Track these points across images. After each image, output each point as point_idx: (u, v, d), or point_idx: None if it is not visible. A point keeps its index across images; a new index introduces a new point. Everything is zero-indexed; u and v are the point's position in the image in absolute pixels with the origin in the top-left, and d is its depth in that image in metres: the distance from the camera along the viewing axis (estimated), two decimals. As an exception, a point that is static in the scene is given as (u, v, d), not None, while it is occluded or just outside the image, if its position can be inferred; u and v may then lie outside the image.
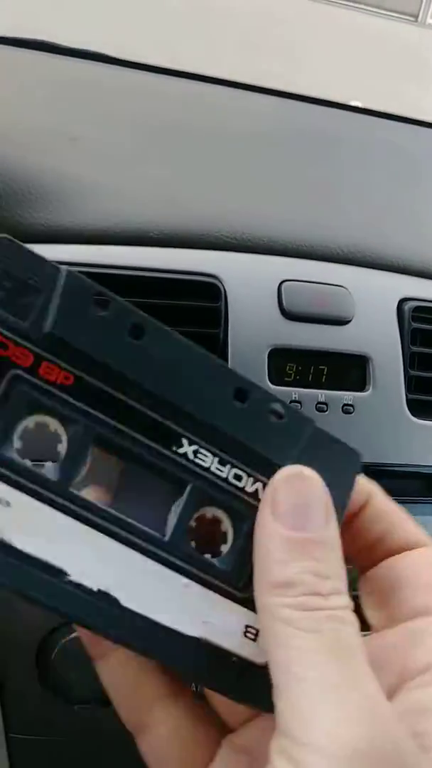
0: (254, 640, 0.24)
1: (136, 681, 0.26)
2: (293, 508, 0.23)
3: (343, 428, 0.55)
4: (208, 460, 0.24)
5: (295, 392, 0.54)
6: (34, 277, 0.22)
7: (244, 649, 0.24)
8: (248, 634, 0.24)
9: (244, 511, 0.24)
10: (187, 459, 0.24)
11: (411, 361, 0.58)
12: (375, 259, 0.61)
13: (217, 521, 0.25)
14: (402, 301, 0.59)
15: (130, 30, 3.13)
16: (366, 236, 0.62)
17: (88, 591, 0.22)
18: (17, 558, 0.22)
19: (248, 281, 0.55)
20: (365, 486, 0.27)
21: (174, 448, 0.24)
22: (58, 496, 0.23)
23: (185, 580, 0.24)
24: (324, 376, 0.56)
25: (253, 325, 0.54)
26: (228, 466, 0.24)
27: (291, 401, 0.54)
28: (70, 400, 0.23)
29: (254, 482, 0.24)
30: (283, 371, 0.55)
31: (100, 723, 0.52)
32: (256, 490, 0.24)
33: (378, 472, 0.56)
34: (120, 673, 0.26)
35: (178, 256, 0.55)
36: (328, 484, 0.24)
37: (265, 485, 0.24)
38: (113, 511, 0.23)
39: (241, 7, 4.36)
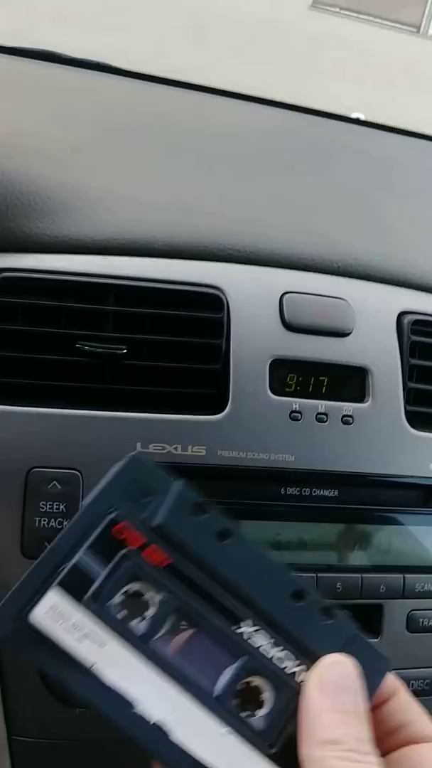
0: None
1: None
2: (336, 686, 0.30)
3: (342, 439, 0.55)
4: (262, 641, 0.31)
5: (296, 402, 0.55)
6: (155, 483, 0.32)
7: None
8: None
9: (283, 686, 0.31)
10: (246, 636, 0.31)
11: (410, 373, 0.59)
12: (375, 272, 0.62)
13: (258, 690, 0.31)
14: (402, 314, 0.60)
15: (132, 40, 3.15)
16: (366, 249, 0.63)
17: (146, 722, 0.30)
18: (102, 686, 0.30)
19: (250, 293, 0.56)
20: (393, 682, 0.33)
21: (236, 627, 0.31)
22: (140, 646, 0.30)
23: (224, 730, 0.30)
24: (324, 387, 0.57)
25: (255, 336, 0.55)
26: (278, 648, 0.31)
27: (291, 411, 0.55)
28: (164, 577, 0.31)
29: (298, 665, 0.31)
30: (283, 381, 0.56)
31: (100, 726, 0.52)
32: (295, 672, 0.31)
33: (377, 483, 0.57)
34: None
35: (182, 268, 0.56)
36: (362, 675, 0.31)
37: (306, 668, 0.31)
38: (178, 665, 0.31)
39: (243, 17, 4.38)
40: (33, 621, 0.30)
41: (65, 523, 0.48)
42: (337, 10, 5.64)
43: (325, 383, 0.57)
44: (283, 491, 0.55)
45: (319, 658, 0.31)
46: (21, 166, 0.57)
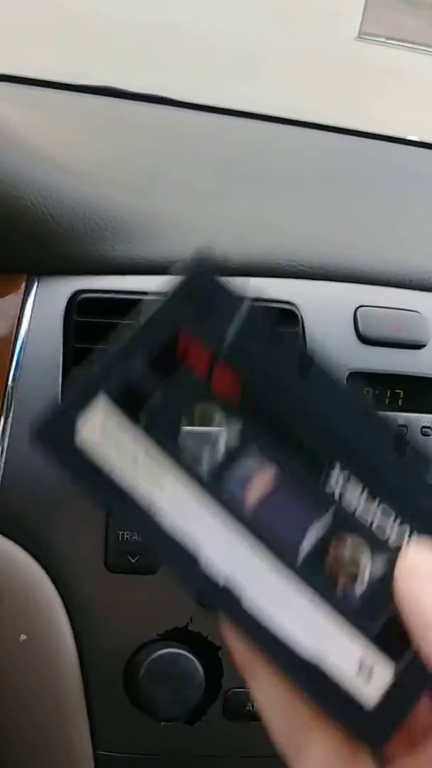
0: (368, 679, 0.24)
1: (291, 701, 0.25)
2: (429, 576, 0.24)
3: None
4: (355, 493, 0.25)
5: (373, 415, 0.55)
6: (225, 300, 0.26)
7: (355, 686, 0.24)
8: (362, 672, 0.24)
9: (382, 553, 0.25)
10: (335, 487, 0.25)
11: None
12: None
13: (354, 557, 0.25)
14: None
15: (183, 76, 3.22)
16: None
17: (213, 583, 0.24)
18: (161, 531, 0.24)
19: (324, 308, 0.57)
20: None
21: (324, 474, 0.25)
22: (206, 485, 0.25)
23: (310, 598, 0.24)
24: (401, 399, 0.57)
25: (330, 350, 0.55)
26: (375, 503, 0.25)
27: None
28: (236, 405, 0.26)
29: (399, 526, 0.25)
30: (359, 395, 0.56)
31: (185, 741, 0.53)
32: (402, 534, 0.25)
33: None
34: (273, 692, 0.25)
35: (256, 285, 0.57)
36: None
37: (409, 533, 0.25)
38: (254, 515, 0.25)
39: (287, 51, 4.45)
40: (81, 439, 0.25)
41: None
42: (383, 39, 5.69)
43: (402, 395, 0.57)
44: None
45: (425, 521, 0.25)
46: (99, 193, 0.59)
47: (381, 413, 0.26)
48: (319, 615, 0.24)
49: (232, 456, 0.25)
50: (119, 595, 0.51)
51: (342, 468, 0.25)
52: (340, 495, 0.25)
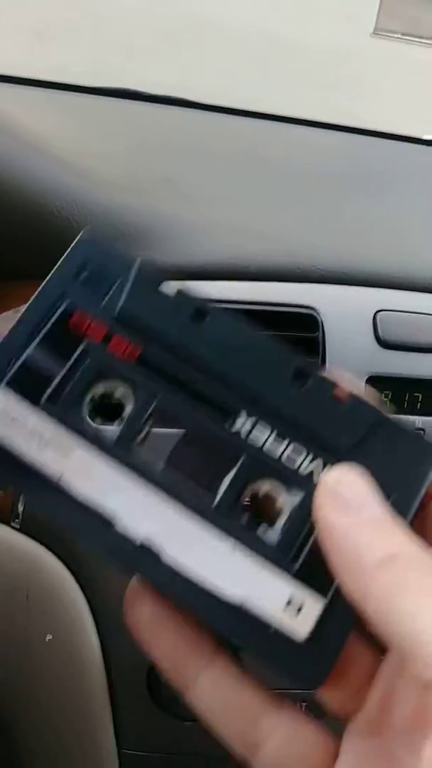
0: (297, 613, 0.24)
1: (232, 700, 0.25)
2: (350, 500, 0.23)
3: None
4: (263, 437, 0.25)
5: (393, 419, 0.55)
6: (113, 265, 0.26)
7: (285, 621, 0.24)
8: (290, 607, 0.24)
9: (298, 489, 0.25)
10: (242, 434, 0.25)
11: None
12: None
13: (270, 498, 0.25)
14: None
15: (198, 75, 3.22)
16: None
17: (131, 542, 0.24)
18: (72, 503, 0.24)
19: (344, 312, 0.57)
20: None
21: (230, 423, 0.25)
22: (114, 452, 0.25)
23: (229, 545, 0.24)
24: (419, 403, 0.57)
25: (350, 354, 0.56)
26: (285, 443, 0.25)
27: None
28: (135, 371, 0.25)
29: (311, 461, 0.25)
30: (378, 398, 0.56)
31: (207, 740, 0.53)
32: (312, 471, 0.25)
33: None
34: (212, 697, 0.25)
35: (276, 290, 0.58)
36: (392, 478, 0.24)
37: (323, 466, 0.24)
38: (165, 474, 0.25)
39: (303, 48, 4.44)
40: None
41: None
42: (399, 35, 5.66)
43: (420, 399, 0.57)
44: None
45: (337, 450, 0.24)
46: (120, 199, 0.60)
47: (280, 347, 0.26)
48: (241, 560, 0.24)
49: (138, 420, 0.25)
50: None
51: (248, 414, 0.25)
52: (249, 441, 0.25)
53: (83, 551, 0.51)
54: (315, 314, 0.57)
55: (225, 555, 0.24)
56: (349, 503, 0.23)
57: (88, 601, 0.51)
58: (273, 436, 0.25)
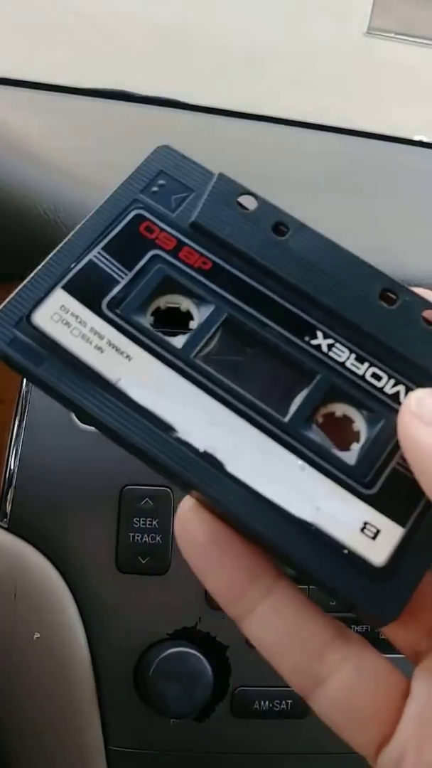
0: (373, 538, 0.22)
1: (295, 631, 0.23)
2: None
3: None
4: (344, 356, 0.24)
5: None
6: (188, 177, 0.26)
7: (360, 544, 0.22)
8: (366, 531, 0.22)
9: (381, 411, 0.23)
10: (321, 351, 0.24)
11: None
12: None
13: (347, 420, 0.24)
14: None
15: (190, 75, 3.23)
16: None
17: (193, 450, 0.22)
18: (130, 406, 0.23)
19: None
20: None
21: (307, 339, 0.24)
22: (178, 360, 0.23)
23: (300, 462, 0.23)
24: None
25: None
26: (366, 363, 0.23)
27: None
28: (206, 282, 0.24)
29: (395, 384, 0.23)
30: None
31: (194, 737, 0.54)
32: (397, 392, 0.23)
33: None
34: (272, 627, 0.23)
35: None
36: None
37: (407, 389, 0.23)
38: (233, 385, 0.23)
39: (296, 48, 4.45)
40: (37, 325, 0.23)
41: (158, 538, 0.50)
42: (392, 35, 5.67)
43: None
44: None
45: (425, 374, 0.23)
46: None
47: (367, 264, 0.25)
48: (314, 477, 0.22)
49: (206, 331, 0.24)
50: (130, 595, 0.53)
51: (328, 332, 0.24)
52: (328, 359, 0.24)
53: (69, 550, 0.52)
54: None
55: (296, 471, 0.22)
56: None
57: (76, 600, 0.52)
58: (354, 356, 0.24)
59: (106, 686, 0.53)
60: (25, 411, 0.52)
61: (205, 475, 0.22)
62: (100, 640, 0.52)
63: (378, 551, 0.22)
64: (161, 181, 0.25)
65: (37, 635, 0.52)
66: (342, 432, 0.23)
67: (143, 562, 0.52)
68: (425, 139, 1.20)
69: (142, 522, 0.52)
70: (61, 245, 0.24)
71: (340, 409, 0.24)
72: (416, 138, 1.20)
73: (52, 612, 0.52)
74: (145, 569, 0.52)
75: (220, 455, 0.22)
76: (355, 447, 0.23)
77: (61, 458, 0.52)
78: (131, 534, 0.52)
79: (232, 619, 0.24)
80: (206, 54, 4.02)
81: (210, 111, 1.01)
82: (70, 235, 0.25)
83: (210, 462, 0.22)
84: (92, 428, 0.52)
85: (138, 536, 0.52)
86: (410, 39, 5.65)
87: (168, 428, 0.22)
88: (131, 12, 4.33)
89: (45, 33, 3.65)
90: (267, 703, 0.53)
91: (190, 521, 0.23)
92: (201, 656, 0.51)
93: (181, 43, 4.07)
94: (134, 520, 0.52)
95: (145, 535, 0.52)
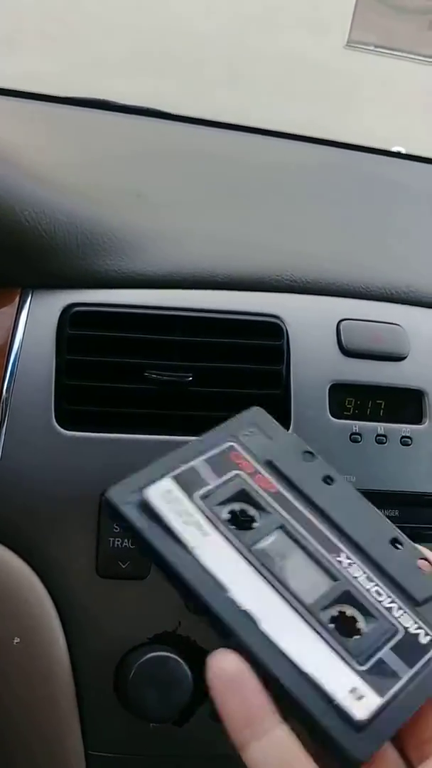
0: (358, 700, 0.29)
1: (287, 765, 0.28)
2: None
3: (402, 459, 0.57)
4: (359, 574, 0.33)
5: (355, 425, 0.57)
6: (271, 431, 0.37)
7: (348, 701, 0.29)
8: (354, 694, 0.29)
9: (378, 617, 0.32)
10: (343, 566, 0.33)
11: (466, 395, 0.60)
12: (428, 298, 0.64)
13: (353, 619, 0.32)
14: (455, 337, 0.61)
15: (170, 85, 3.24)
16: (418, 277, 0.65)
17: (237, 606, 0.30)
18: (198, 567, 0.31)
19: (308, 321, 0.59)
20: None
21: (334, 555, 0.33)
22: (241, 545, 0.32)
23: (315, 635, 0.31)
24: (382, 410, 0.58)
25: (314, 362, 0.58)
26: (373, 583, 0.33)
27: (351, 433, 0.57)
28: (270, 500, 0.34)
29: (391, 601, 0.32)
30: (342, 405, 0.58)
31: (174, 742, 0.54)
32: (391, 607, 0.32)
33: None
34: (267, 759, 0.28)
35: (242, 299, 0.59)
36: None
37: (398, 606, 0.32)
38: (277, 571, 0.32)
39: (277, 61, 4.48)
40: (148, 497, 0.32)
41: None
42: (372, 47, 5.73)
43: (383, 406, 0.58)
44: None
45: (413, 600, 0.32)
46: (89, 209, 0.61)
47: (383, 517, 0.35)
48: (321, 647, 0.30)
49: (264, 531, 0.33)
50: (110, 599, 0.53)
51: (348, 557, 0.33)
52: (345, 575, 0.33)
53: (49, 555, 0.52)
54: (280, 323, 0.58)
55: (310, 639, 0.30)
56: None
57: (56, 605, 0.52)
58: (365, 576, 0.33)
59: (86, 691, 0.53)
60: (5, 418, 0.53)
61: (242, 627, 0.30)
62: (80, 644, 0.53)
63: (361, 710, 0.29)
64: (252, 429, 0.36)
65: (17, 640, 0.52)
66: (348, 625, 0.31)
67: (123, 567, 0.52)
68: (403, 150, 1.22)
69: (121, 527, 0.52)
70: (176, 451, 0.34)
71: (349, 610, 0.32)
72: (394, 149, 1.22)
73: (32, 617, 0.52)
74: (125, 574, 0.52)
75: (256, 615, 0.30)
76: (356, 637, 0.31)
77: (42, 464, 0.53)
78: (111, 539, 0.52)
79: (235, 746, 0.29)
80: (186, 65, 4.03)
81: (190, 121, 1.02)
82: (184, 447, 0.35)
83: (248, 618, 0.30)
84: (73, 433, 0.52)
85: (118, 541, 0.52)
86: (389, 52, 5.70)
87: (222, 587, 0.31)
88: (111, 21, 4.34)
89: (26, 41, 3.65)
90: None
91: (223, 656, 0.29)
92: (181, 660, 0.52)
93: (160, 54, 4.09)
94: (114, 525, 0.52)
95: (125, 541, 0.52)
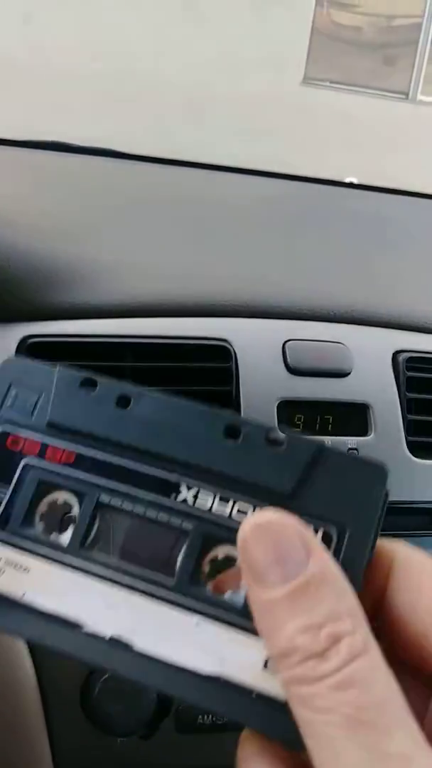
0: (275, 674, 0.23)
1: None
2: (267, 564, 0.21)
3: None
4: (209, 501, 0.25)
5: (304, 439, 0.60)
6: (35, 380, 0.28)
7: (266, 683, 0.23)
8: (270, 666, 0.24)
9: None
10: (188, 504, 0.25)
11: (408, 406, 0.63)
12: (370, 317, 0.67)
13: (230, 560, 0.25)
14: (396, 353, 0.65)
15: (132, 123, 3.30)
16: (361, 297, 0.69)
17: (101, 639, 0.24)
18: (39, 616, 0.25)
19: (255, 343, 0.62)
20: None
21: (174, 496, 0.26)
22: (68, 556, 0.26)
23: (195, 619, 0.24)
24: (330, 425, 0.61)
25: (262, 381, 0.60)
26: (230, 502, 0.25)
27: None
28: (74, 474, 0.26)
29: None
30: (291, 421, 0.61)
31: (142, 755, 0.55)
32: None
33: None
34: None
35: (192, 324, 0.62)
36: (345, 510, 0.24)
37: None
38: (120, 564, 0.26)
39: (234, 98, 4.58)
40: None
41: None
42: (328, 83, 5.86)
43: (330, 420, 0.61)
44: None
45: (282, 496, 0.25)
46: (41, 244, 0.64)
47: (206, 409, 0.26)
48: (209, 632, 0.24)
49: (85, 521, 0.26)
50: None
51: (189, 483, 0.26)
52: (196, 510, 0.25)
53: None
54: (228, 345, 0.61)
55: (192, 631, 0.24)
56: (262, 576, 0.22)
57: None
58: (217, 498, 0.25)
59: (53, 708, 0.55)
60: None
61: (117, 658, 0.24)
62: (46, 662, 0.54)
63: (280, 685, 0.23)
64: (14, 392, 0.27)
65: (-17, 662, 0.53)
66: (230, 572, 0.25)
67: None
68: (355, 181, 1.27)
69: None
70: None
71: (220, 552, 0.25)
72: (347, 180, 1.26)
73: (-2, 638, 0.53)
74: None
75: (125, 637, 0.24)
76: (243, 585, 0.24)
77: None
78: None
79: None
80: (145, 104, 4.11)
81: (148, 160, 1.05)
82: None
83: (118, 646, 0.24)
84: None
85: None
86: (345, 87, 5.84)
87: (75, 626, 0.25)
88: (70, 62, 4.41)
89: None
90: (209, 717, 0.55)
91: (248, 739, 0.24)
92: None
93: (119, 92, 4.16)
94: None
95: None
